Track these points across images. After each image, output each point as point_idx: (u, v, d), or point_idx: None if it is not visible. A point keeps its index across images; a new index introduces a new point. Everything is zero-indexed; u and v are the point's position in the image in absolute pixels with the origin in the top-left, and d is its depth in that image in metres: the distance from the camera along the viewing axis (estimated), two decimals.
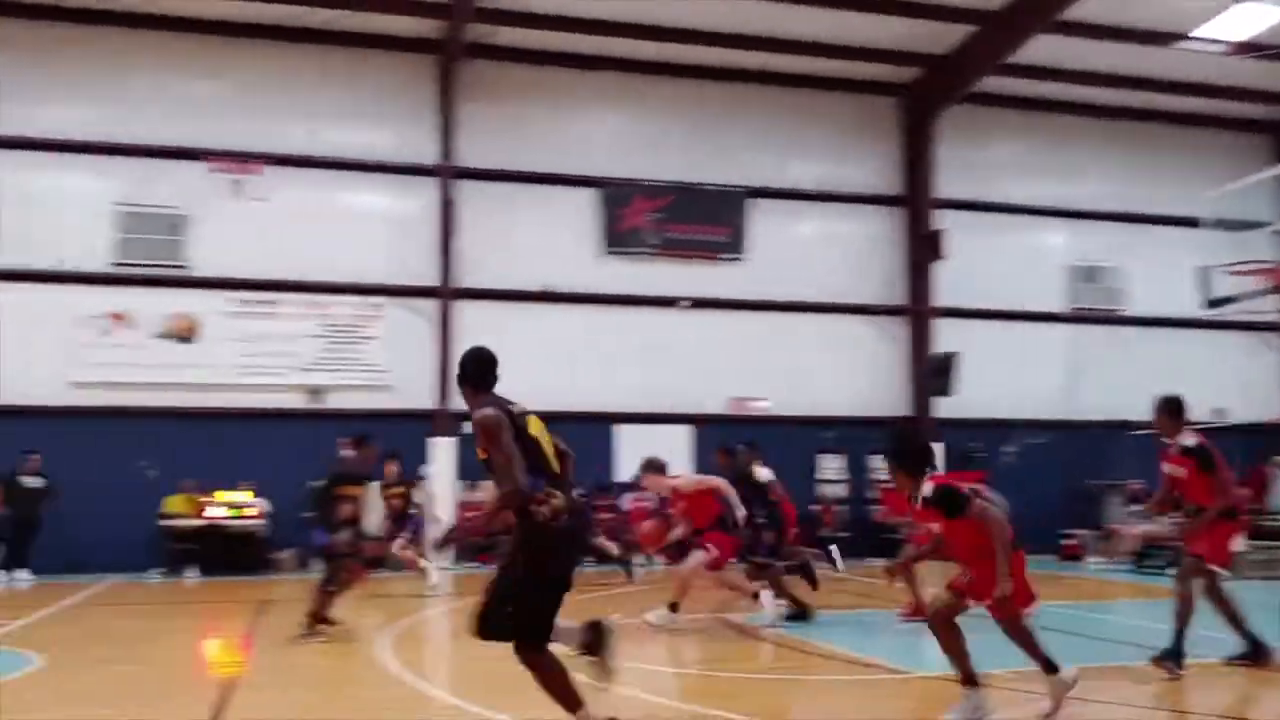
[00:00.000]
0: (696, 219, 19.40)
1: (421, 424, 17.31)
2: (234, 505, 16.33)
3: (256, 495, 16.44)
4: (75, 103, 17.13)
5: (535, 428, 5.19)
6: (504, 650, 5.06)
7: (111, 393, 16.40)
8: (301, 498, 13.60)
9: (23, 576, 14.94)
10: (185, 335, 17.11)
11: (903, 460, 6.08)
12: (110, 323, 16.77)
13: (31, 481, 15.29)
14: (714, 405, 18.99)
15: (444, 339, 17.74)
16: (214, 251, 17.28)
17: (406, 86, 18.28)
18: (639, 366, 18.65)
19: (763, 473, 10.71)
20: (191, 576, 15.76)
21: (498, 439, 4.97)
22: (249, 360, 17.22)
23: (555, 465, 5.22)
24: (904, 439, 6.21)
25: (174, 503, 16.32)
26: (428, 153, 18.11)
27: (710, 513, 10.06)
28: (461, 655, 9.03)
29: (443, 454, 17.45)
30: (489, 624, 5.07)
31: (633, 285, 18.96)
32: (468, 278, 18.10)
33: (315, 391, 17.56)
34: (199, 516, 16.12)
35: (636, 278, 19.03)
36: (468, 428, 17.74)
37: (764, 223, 19.68)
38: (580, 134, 19.15)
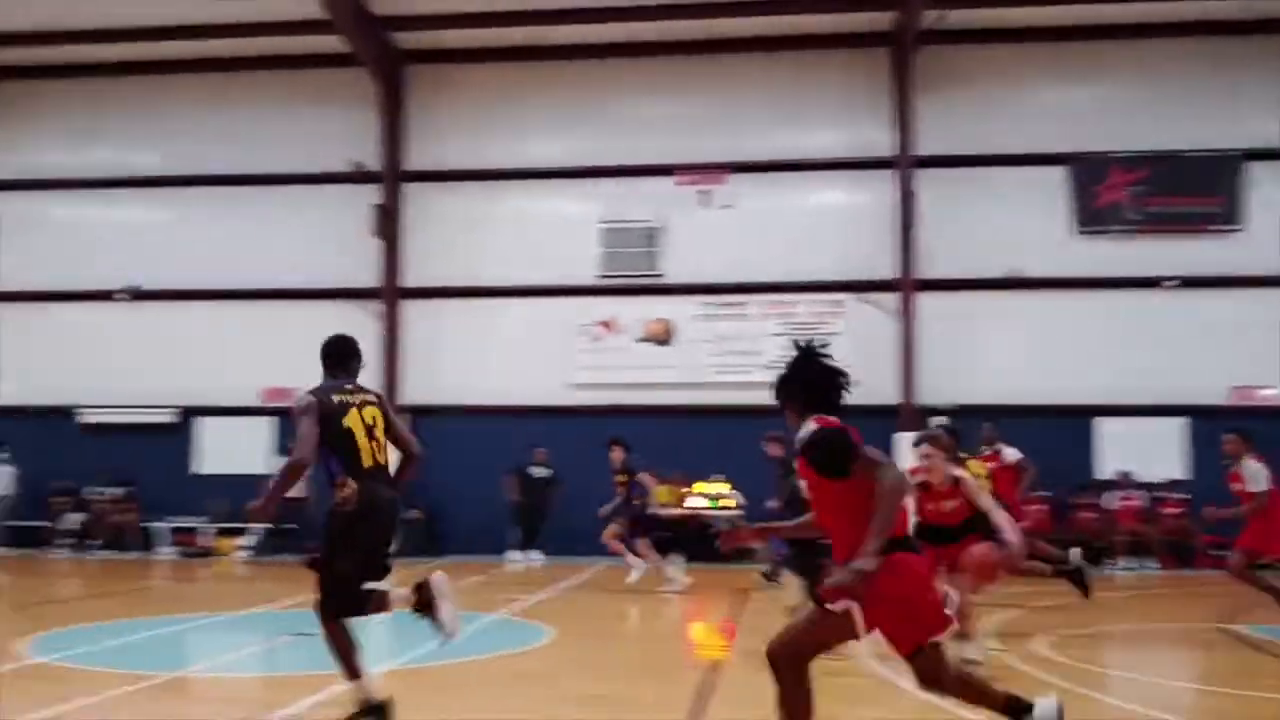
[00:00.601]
0: (1182, 189, 17.66)
1: (885, 419, 17.29)
2: (712, 496, 17.27)
3: (732, 488, 17.26)
4: (561, 133, 19.02)
5: (353, 419, 5.56)
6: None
7: (602, 392, 18.00)
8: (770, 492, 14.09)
9: (535, 557, 16.83)
10: (662, 338, 18.41)
11: (785, 389, 4.46)
12: (599, 330, 18.47)
13: (539, 472, 17.21)
14: (1212, 395, 17.15)
15: (906, 332, 17.61)
16: (685, 259, 18.43)
17: (860, 82, 18.36)
18: (1119, 354, 17.33)
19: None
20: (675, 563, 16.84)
21: (297, 420, 5.48)
22: (719, 360, 18.18)
23: (371, 459, 5.56)
24: (796, 362, 4.46)
25: (659, 493, 17.58)
26: (884, 145, 18.08)
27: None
28: None
29: (908, 449, 17.28)
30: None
31: (1110, 266, 17.64)
32: (928, 268, 17.83)
33: None
34: (680, 506, 17.18)
35: (1114, 257, 17.68)
36: (935, 421, 17.41)
37: (1265, 188, 17.51)
38: (1045, 109, 18.16)
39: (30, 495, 18.59)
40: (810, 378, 4.42)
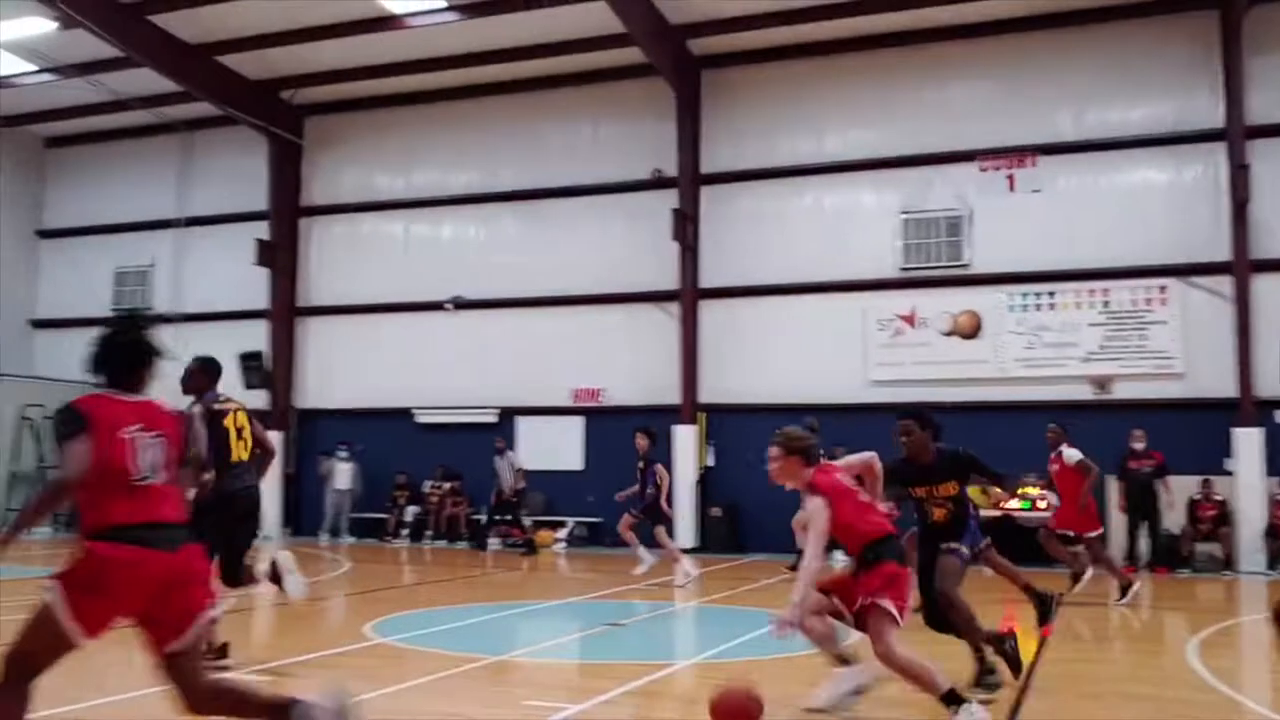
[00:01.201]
0: None
1: (1219, 413, 15.90)
2: (1026, 498, 16.51)
3: (1044, 489, 16.41)
4: (858, 125, 18.74)
5: (229, 422, 7.22)
6: None
7: (903, 389, 17.56)
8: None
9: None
10: (970, 332, 17.76)
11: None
12: (900, 324, 18.07)
13: None
14: None
15: (1242, 317, 16.08)
16: (990, 248, 17.70)
17: (1182, 49, 16.97)
18: None
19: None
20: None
21: (191, 420, 6.83)
22: (1031, 353, 17.33)
23: (237, 455, 7.17)
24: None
25: (971, 494, 16.93)
26: (1211, 116, 16.62)
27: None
28: None
29: (1247, 446, 15.81)
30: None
31: None
32: (1267, 247, 16.21)
33: (1099, 382, 17.06)
34: (995, 508, 16.49)
35: None
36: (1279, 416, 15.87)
37: None
38: None
39: (373, 490, 20.48)
40: (100, 348, 4.14)
